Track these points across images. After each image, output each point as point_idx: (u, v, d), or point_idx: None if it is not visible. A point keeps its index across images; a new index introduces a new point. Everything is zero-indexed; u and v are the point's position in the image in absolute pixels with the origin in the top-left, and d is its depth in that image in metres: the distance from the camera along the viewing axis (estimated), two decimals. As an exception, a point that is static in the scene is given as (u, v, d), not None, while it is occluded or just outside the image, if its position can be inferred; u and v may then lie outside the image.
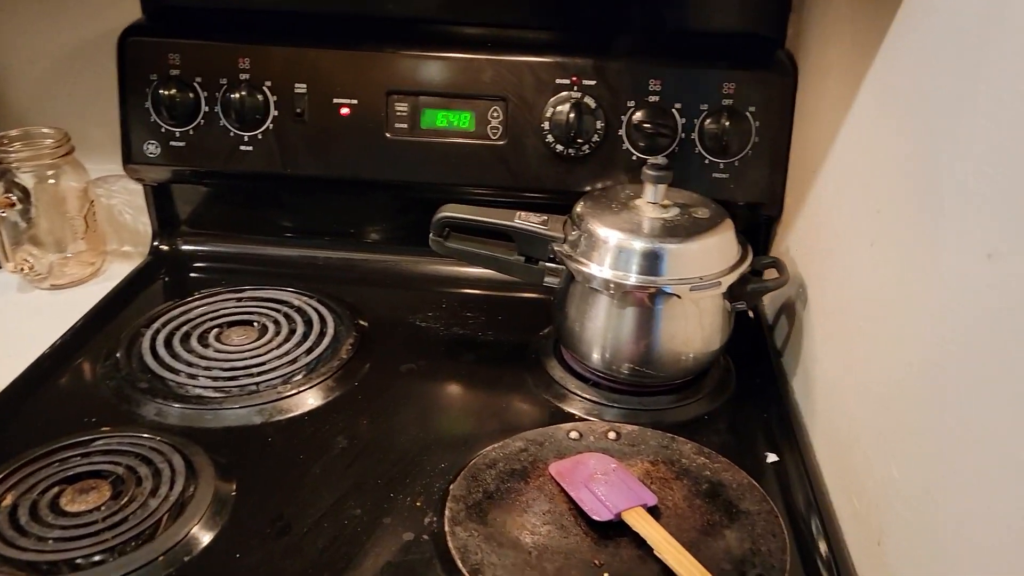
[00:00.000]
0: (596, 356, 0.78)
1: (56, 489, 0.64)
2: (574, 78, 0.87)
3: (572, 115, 0.86)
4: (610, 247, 0.74)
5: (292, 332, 0.84)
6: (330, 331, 0.84)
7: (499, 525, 0.61)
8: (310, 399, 0.77)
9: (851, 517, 0.62)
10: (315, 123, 0.90)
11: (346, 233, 1.00)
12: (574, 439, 0.70)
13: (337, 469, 0.69)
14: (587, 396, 0.78)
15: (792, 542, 0.60)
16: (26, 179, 0.92)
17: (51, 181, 0.94)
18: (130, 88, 0.91)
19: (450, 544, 0.59)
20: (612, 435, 0.71)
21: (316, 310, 0.87)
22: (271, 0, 0.93)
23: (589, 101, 0.87)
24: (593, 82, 0.87)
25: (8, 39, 1.01)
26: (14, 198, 0.91)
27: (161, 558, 0.59)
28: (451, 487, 0.65)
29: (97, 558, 0.58)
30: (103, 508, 0.62)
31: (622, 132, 0.88)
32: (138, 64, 0.90)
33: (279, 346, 0.82)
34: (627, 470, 0.66)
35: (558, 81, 0.88)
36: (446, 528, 0.61)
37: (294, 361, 0.80)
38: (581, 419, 0.75)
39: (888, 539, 0.54)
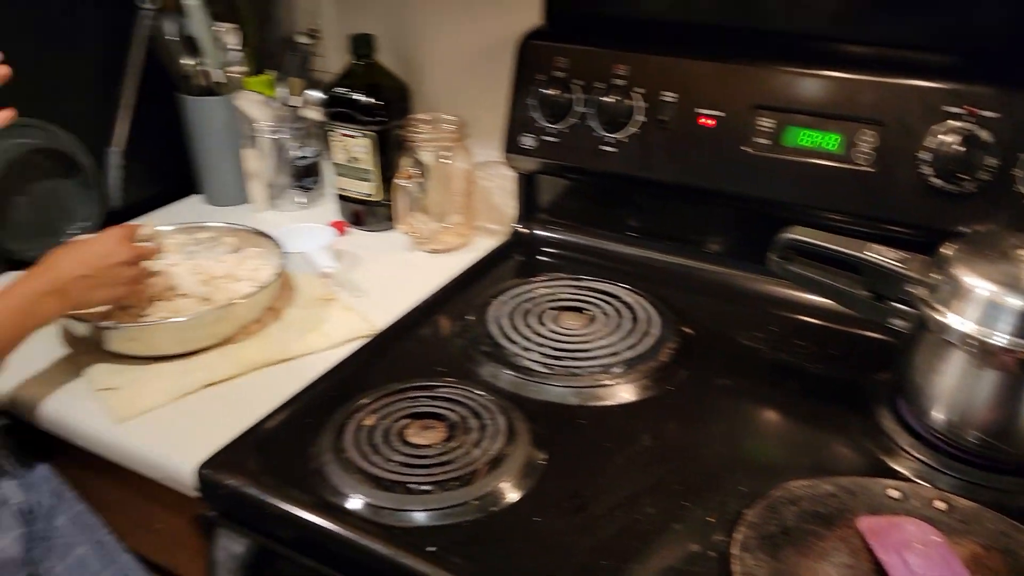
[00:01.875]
0: (940, 416, 0.70)
1: (405, 421, 0.75)
2: (968, 107, 0.79)
3: (961, 148, 0.78)
4: (978, 299, 0.66)
5: (618, 326, 0.88)
6: (655, 332, 0.87)
7: (790, 564, 0.59)
8: (624, 392, 0.80)
9: None
10: (678, 131, 0.93)
11: (688, 240, 1.02)
12: (894, 498, 0.64)
13: (638, 464, 0.71)
14: (919, 456, 0.71)
15: None
16: (426, 157, 1.08)
17: (444, 161, 1.09)
18: (520, 86, 1.02)
19: (734, 568, 0.58)
20: (941, 505, 0.64)
21: (645, 309, 0.90)
22: (656, 11, 0.98)
23: (984, 134, 0.78)
24: (993, 114, 0.78)
25: (428, 40, 1.19)
26: (415, 172, 1.07)
27: (475, 502, 0.66)
28: (747, 512, 0.63)
29: (425, 488, 0.67)
30: (437, 446, 0.72)
31: (1018, 171, 0.77)
32: (530, 65, 1.01)
33: (604, 337, 0.86)
34: (951, 548, 0.59)
35: (948, 109, 0.79)
36: (733, 551, 0.60)
37: (616, 354, 0.84)
38: (906, 479, 0.68)
39: None
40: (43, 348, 0.88)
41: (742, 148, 0.89)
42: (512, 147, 1.04)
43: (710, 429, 0.75)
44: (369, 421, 0.74)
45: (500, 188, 1.16)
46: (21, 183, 1.04)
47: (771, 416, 0.78)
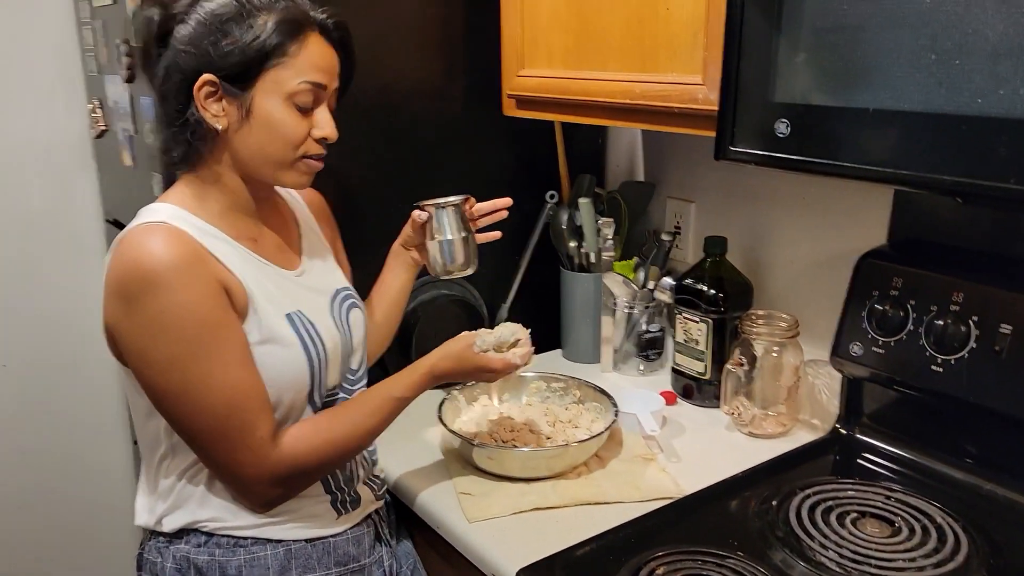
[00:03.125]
0: None
1: (690, 580, 0.85)
2: None
3: None
4: None
5: (923, 544, 0.88)
6: (960, 557, 0.86)
7: None
8: (917, 611, 0.80)
9: None
10: (1013, 363, 0.93)
11: (1018, 473, 0.98)
12: None
13: None
14: None
15: None
16: (758, 348, 1.19)
17: (774, 354, 1.19)
18: (854, 298, 1.10)
19: None
20: None
21: (955, 533, 0.89)
22: (998, 245, 1.01)
23: None
24: None
25: (775, 246, 1.33)
26: (744, 360, 1.19)
27: (740, 668, 0.73)
28: None
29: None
30: (716, 609, 0.80)
31: None
32: (867, 281, 1.09)
33: (906, 551, 0.87)
34: None
35: None
36: None
37: (920, 569, 0.85)
38: None
39: None
40: (426, 453, 1.15)
41: (1086, 389, 0.87)
42: (841, 352, 1.11)
43: (1006, 673, 0.73)
44: (660, 571, 0.85)
45: (826, 387, 1.22)
46: (437, 321, 1.36)
47: None
